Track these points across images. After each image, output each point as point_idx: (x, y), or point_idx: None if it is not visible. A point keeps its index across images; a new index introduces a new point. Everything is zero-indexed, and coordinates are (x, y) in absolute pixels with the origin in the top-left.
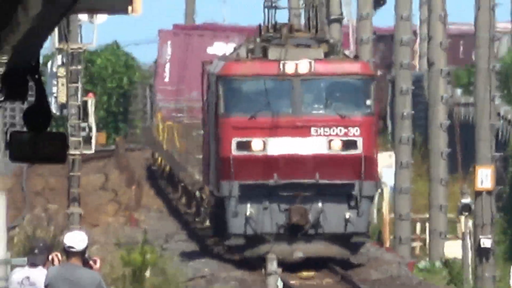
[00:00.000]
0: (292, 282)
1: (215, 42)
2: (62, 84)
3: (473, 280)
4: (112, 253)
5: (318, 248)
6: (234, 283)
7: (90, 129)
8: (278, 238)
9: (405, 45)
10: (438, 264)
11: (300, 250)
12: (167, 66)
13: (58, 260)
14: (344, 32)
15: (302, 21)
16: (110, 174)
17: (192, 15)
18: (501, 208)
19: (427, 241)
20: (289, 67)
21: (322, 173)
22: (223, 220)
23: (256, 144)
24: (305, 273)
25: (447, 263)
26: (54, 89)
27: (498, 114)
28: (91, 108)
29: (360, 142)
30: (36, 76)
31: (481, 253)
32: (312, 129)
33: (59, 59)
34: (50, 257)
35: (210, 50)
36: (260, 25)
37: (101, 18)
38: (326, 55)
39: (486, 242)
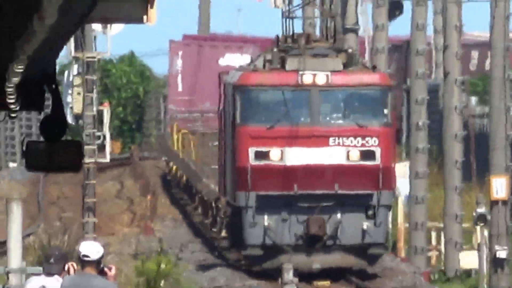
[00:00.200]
0: None
1: (226, 53)
2: (78, 93)
3: None
4: (127, 263)
5: (336, 259)
6: None
7: (105, 138)
8: (296, 249)
9: (421, 54)
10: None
11: (318, 261)
12: (179, 76)
13: (74, 269)
14: (360, 41)
15: (317, 30)
16: (125, 182)
17: (207, 24)
18: None
19: (443, 251)
20: (307, 78)
21: (340, 184)
22: (240, 230)
23: (274, 154)
24: (320, 283)
25: (461, 276)
26: (69, 98)
27: None
28: (106, 117)
29: (378, 152)
30: (53, 86)
31: (496, 264)
32: (330, 139)
33: (75, 68)
34: (66, 267)
35: (222, 61)
36: (277, 36)
37: (116, 28)
38: (345, 65)
39: (501, 253)
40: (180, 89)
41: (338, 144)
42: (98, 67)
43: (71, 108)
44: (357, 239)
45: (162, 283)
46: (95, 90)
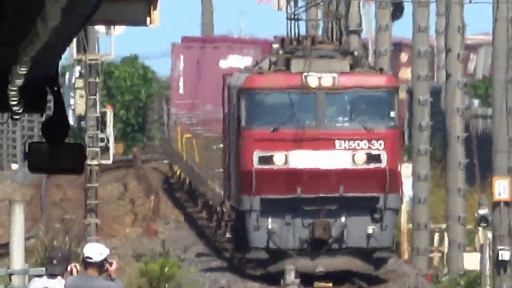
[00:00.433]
0: None
1: (228, 55)
2: (81, 96)
3: None
4: (129, 264)
5: (341, 263)
6: None
7: (108, 140)
8: (301, 252)
9: (423, 56)
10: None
11: (322, 265)
12: (181, 79)
13: (77, 270)
14: (362, 42)
15: (319, 32)
16: (128, 184)
17: (211, 26)
18: None
19: (445, 252)
20: (312, 80)
21: (346, 187)
22: (244, 233)
23: (279, 157)
24: (321, 284)
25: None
26: (72, 101)
27: None
28: (109, 119)
29: (384, 155)
30: (55, 88)
31: (499, 265)
32: (336, 142)
33: (77, 70)
34: (69, 268)
35: (223, 63)
36: (282, 38)
37: (119, 29)
38: (351, 67)
39: (504, 254)
40: (181, 92)
41: (344, 148)
42: (101, 69)
43: (73, 110)
44: (363, 243)
45: (166, 287)
46: (98, 93)
